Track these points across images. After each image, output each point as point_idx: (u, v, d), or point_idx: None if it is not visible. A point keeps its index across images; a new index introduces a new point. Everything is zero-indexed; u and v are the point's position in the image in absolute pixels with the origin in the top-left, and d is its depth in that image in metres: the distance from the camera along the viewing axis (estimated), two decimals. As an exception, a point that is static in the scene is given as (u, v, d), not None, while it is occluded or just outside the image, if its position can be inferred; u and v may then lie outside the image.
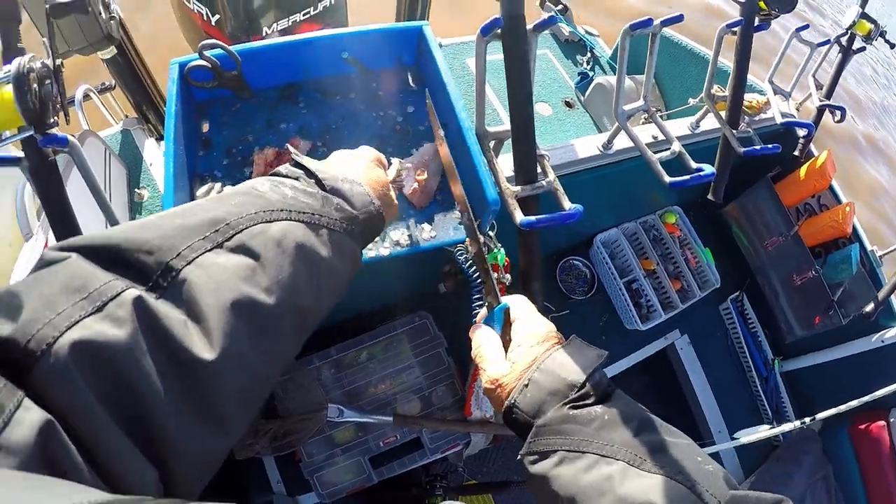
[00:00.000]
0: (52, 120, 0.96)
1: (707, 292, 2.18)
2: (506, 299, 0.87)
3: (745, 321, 2.35)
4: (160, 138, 2.03)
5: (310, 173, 0.72)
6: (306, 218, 0.64)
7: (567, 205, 1.10)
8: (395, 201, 0.86)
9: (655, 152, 1.34)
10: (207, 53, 1.14)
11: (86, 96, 1.99)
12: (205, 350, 0.49)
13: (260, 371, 0.56)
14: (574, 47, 2.77)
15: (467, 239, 1.10)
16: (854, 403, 1.50)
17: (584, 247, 2.25)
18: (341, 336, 1.75)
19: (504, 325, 0.85)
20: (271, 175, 0.71)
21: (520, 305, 0.86)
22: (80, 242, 0.49)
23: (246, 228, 0.58)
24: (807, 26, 1.83)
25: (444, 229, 1.15)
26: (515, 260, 1.15)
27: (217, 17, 1.86)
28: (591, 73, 2.56)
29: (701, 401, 2.26)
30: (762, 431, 1.71)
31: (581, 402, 0.70)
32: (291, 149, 0.84)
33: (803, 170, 2.01)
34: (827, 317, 2.01)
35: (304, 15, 1.90)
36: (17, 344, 0.42)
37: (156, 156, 1.88)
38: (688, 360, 2.28)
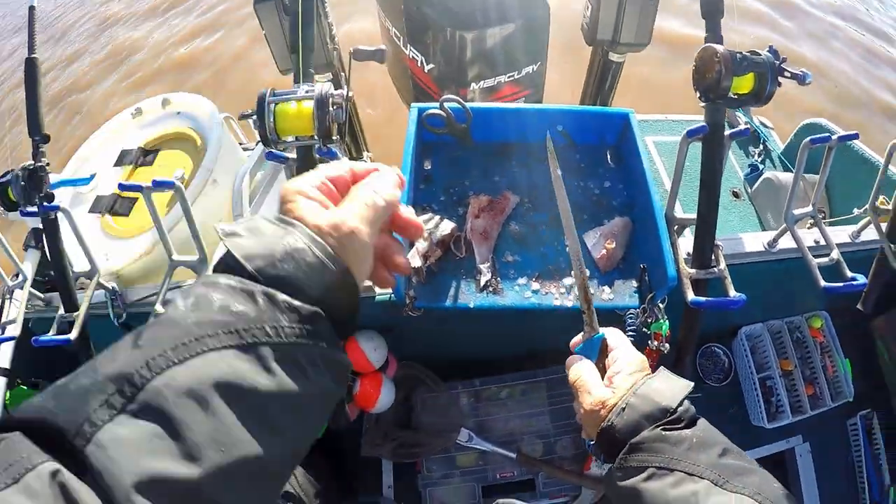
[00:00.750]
0: (335, 137, 1.21)
1: (838, 404, 2.19)
2: (603, 330, 0.98)
3: (871, 441, 2.30)
4: (352, 157, 2.32)
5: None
6: (233, 340, 0.50)
7: (732, 293, 1.26)
8: (352, 227, 0.58)
9: (815, 256, 1.43)
10: (446, 105, 1.41)
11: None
12: None
13: None
14: (747, 138, 2.87)
15: (640, 307, 1.30)
16: None
17: (727, 336, 2.32)
18: (487, 371, 1.93)
19: (599, 355, 0.97)
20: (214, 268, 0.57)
21: (617, 336, 0.97)
22: (13, 415, 0.45)
23: (150, 381, 0.46)
24: None
25: (621, 295, 1.34)
26: (674, 335, 1.33)
27: (431, 66, 2.14)
28: (761, 167, 2.66)
29: (809, 512, 2.27)
30: None
31: (671, 426, 0.79)
32: (219, 227, 0.57)
33: (962, 297, 2.00)
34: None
35: (507, 77, 2.15)
36: None
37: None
38: (804, 467, 2.27)
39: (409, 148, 1.36)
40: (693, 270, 1.29)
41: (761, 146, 2.82)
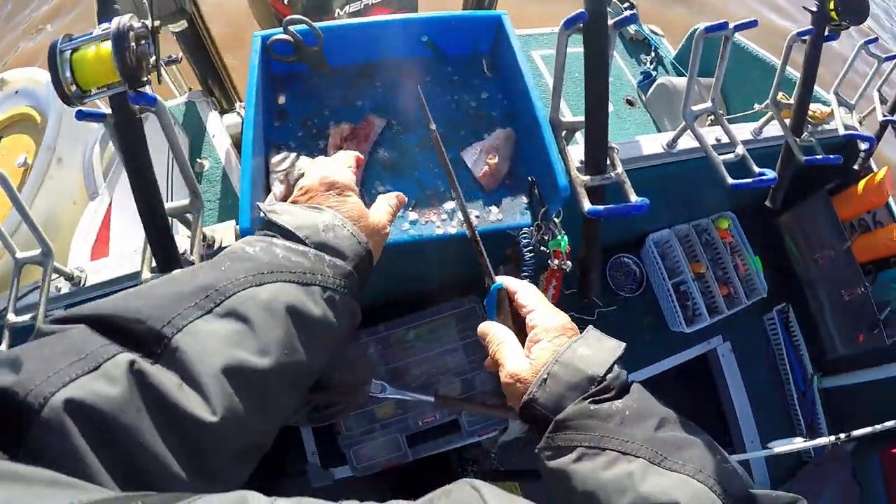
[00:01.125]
0: (144, 79, 1.02)
1: (754, 301, 2.19)
2: (510, 283, 0.87)
3: (789, 333, 2.34)
4: (223, 111, 2.10)
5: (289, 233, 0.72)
6: (297, 278, 0.65)
7: (633, 197, 1.14)
8: (384, 221, 0.85)
9: (719, 154, 1.36)
10: (291, 28, 1.21)
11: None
12: (202, 411, 0.51)
13: (258, 429, 0.59)
14: (638, 46, 2.79)
15: (533, 225, 1.16)
16: (889, 425, 1.50)
17: (635, 245, 2.27)
18: (390, 314, 1.79)
19: (499, 306, 0.86)
20: (260, 233, 0.73)
21: (531, 295, 0.85)
22: (77, 314, 0.53)
23: (235, 294, 0.60)
24: (875, 39, 1.82)
25: (511, 213, 1.20)
26: (576, 250, 1.20)
27: (291, -3, 1.92)
28: (654, 73, 2.58)
29: (737, 409, 2.27)
30: (796, 444, 1.71)
31: (601, 397, 0.70)
32: (263, 206, 0.80)
33: (861, 184, 2.00)
34: (871, 335, 2.00)
35: (375, -1, 1.96)
36: (15, 395, 0.44)
37: (218, 128, 1.95)
38: (728, 367, 2.29)
39: (252, 81, 1.16)
40: (587, 177, 1.15)
41: (653, 53, 2.74)
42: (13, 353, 0.47)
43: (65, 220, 1.75)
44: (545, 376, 0.73)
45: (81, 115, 1.05)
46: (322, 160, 0.91)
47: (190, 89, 2.11)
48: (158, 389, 0.50)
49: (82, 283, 1.31)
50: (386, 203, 0.89)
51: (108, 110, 1.06)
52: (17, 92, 2.03)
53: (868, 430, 1.55)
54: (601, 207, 1.11)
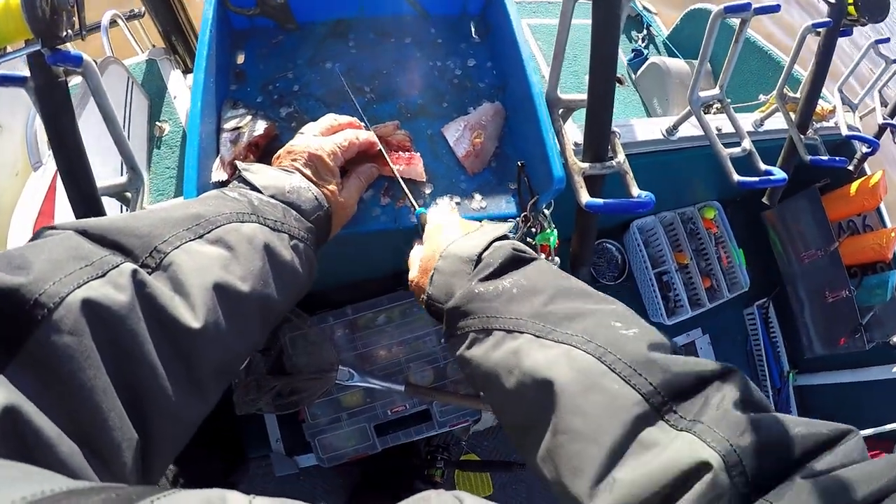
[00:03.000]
0: (64, 34, 0.78)
1: (735, 294, 2.03)
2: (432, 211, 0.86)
3: (768, 329, 2.20)
4: (187, 71, 1.84)
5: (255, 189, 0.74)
6: (270, 224, 0.67)
7: (636, 191, 0.93)
8: (351, 202, 0.85)
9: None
10: (253, -26, 0.96)
11: (112, 23, 1.79)
12: (191, 319, 0.52)
13: (233, 347, 0.59)
14: (630, 23, 2.54)
15: (521, 215, 0.94)
16: (867, 432, 1.42)
17: (618, 230, 2.09)
18: (360, 296, 1.58)
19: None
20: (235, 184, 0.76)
21: (434, 211, 0.87)
22: (72, 225, 0.51)
23: (222, 225, 0.62)
24: (888, 39, 1.64)
25: (496, 202, 0.97)
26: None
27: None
28: (645, 52, 2.35)
29: (710, 403, 2.11)
30: None
31: (485, 275, 0.66)
32: (240, 164, 0.79)
33: (854, 186, 1.83)
34: (852, 339, 1.87)
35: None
36: (26, 295, 0.41)
37: (181, 88, 1.70)
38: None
39: (205, 37, 0.90)
40: (586, 165, 0.93)
41: (645, 31, 2.52)
42: (15, 254, 0.44)
43: (6, 191, 1.52)
44: (432, 273, 0.72)
45: None
46: (323, 123, 0.87)
47: (153, 46, 1.84)
48: (156, 299, 0.50)
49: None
50: (356, 179, 0.87)
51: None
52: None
53: None
54: (601, 202, 0.89)
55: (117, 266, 0.48)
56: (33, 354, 0.41)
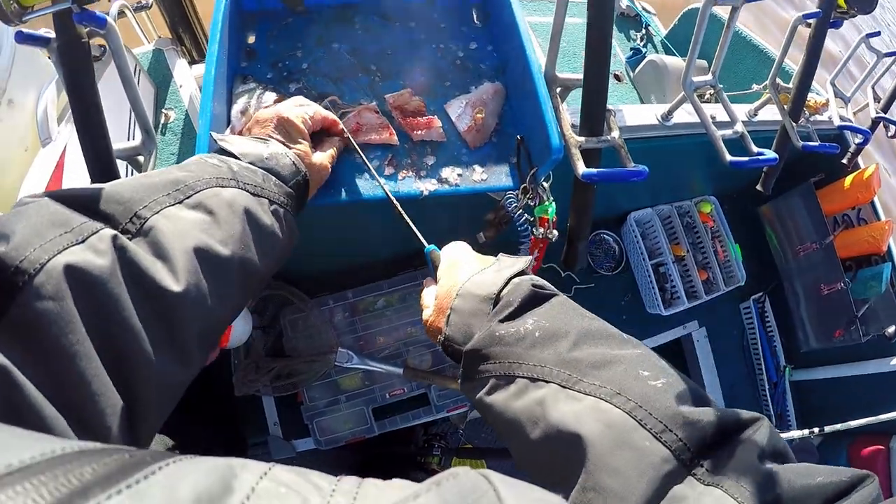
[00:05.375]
0: None
1: (731, 288, 2.10)
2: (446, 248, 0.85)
3: (764, 323, 2.26)
4: (192, 62, 1.92)
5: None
6: (250, 189, 0.71)
7: (630, 164, 1.00)
8: (326, 164, 0.90)
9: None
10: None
11: (120, 13, 1.87)
12: (172, 283, 0.54)
13: (215, 311, 0.61)
14: (629, 22, 2.64)
15: (521, 187, 1.02)
16: (860, 422, 1.43)
17: (616, 222, 2.16)
18: (360, 280, 1.65)
19: (435, 269, 0.84)
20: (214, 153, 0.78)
21: (448, 248, 0.85)
22: (52, 193, 0.52)
23: (202, 190, 0.64)
24: (878, 33, 1.72)
25: (496, 174, 1.05)
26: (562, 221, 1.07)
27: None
28: (643, 50, 2.44)
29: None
30: None
31: (505, 316, 0.65)
32: (215, 135, 0.83)
33: (848, 180, 1.91)
34: (847, 332, 1.93)
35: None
36: (7, 262, 0.44)
37: (186, 77, 1.77)
38: (702, 352, 2.20)
39: (218, 16, 0.99)
40: (582, 139, 1.01)
41: (643, 30, 2.61)
42: None
43: (14, 166, 1.57)
44: (448, 312, 0.71)
45: (22, 38, 0.89)
46: (290, 101, 0.91)
47: (159, 37, 1.92)
48: (137, 263, 0.52)
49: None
50: (328, 145, 0.93)
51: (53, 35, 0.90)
52: (-34, 27, 1.82)
53: (838, 426, 1.47)
54: (595, 171, 0.96)
55: (97, 232, 0.50)
56: (15, 321, 0.43)
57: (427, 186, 1.00)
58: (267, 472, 0.30)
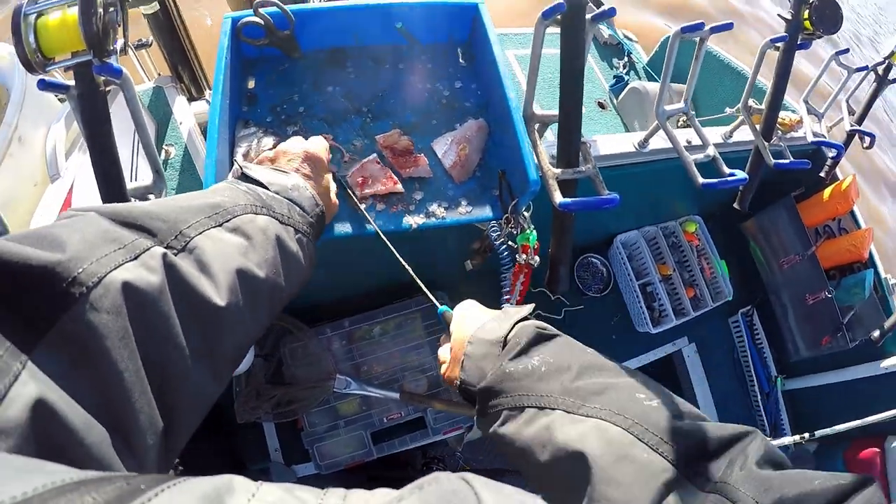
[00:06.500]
0: (111, 48, 0.96)
1: (719, 303, 2.19)
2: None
3: (753, 336, 2.35)
4: (192, 98, 2.02)
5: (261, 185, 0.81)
6: (279, 217, 0.75)
7: (605, 192, 1.11)
8: (336, 200, 0.99)
9: (690, 155, 1.33)
10: (262, 11, 1.16)
11: (122, 51, 1.99)
12: (216, 297, 0.58)
13: (248, 328, 0.66)
14: (611, 50, 2.76)
15: (503, 217, 1.13)
16: (852, 424, 1.49)
17: (603, 245, 2.26)
18: (356, 308, 1.75)
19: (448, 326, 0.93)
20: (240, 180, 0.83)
21: (459, 307, 0.93)
22: (97, 208, 0.54)
23: (240, 215, 0.69)
24: (847, 50, 1.83)
25: (480, 206, 1.16)
26: (544, 247, 1.17)
27: (266, -18, 1.85)
28: (626, 77, 2.56)
29: (701, 409, 2.22)
30: None
31: (514, 355, 0.73)
32: (241, 162, 0.87)
33: (827, 192, 2.01)
34: (834, 339, 2.01)
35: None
36: (63, 273, 0.44)
37: (185, 114, 1.88)
38: (693, 368, 2.29)
39: (221, 64, 1.10)
40: (559, 171, 1.12)
41: (626, 58, 2.72)
42: (45, 233, 0.47)
43: (24, 201, 1.67)
44: (462, 359, 0.79)
45: (44, 85, 0.98)
46: (314, 139, 0.98)
47: (159, 74, 2.03)
48: (185, 280, 0.55)
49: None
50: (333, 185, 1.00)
51: (72, 83, 1.00)
52: (-20, 67, 1.93)
53: (830, 430, 1.53)
54: (571, 200, 1.07)
55: (148, 249, 0.53)
56: (66, 333, 0.43)
57: (416, 220, 1.11)
58: (255, 492, 0.32)
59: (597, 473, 0.57)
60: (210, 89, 2.15)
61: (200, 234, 0.61)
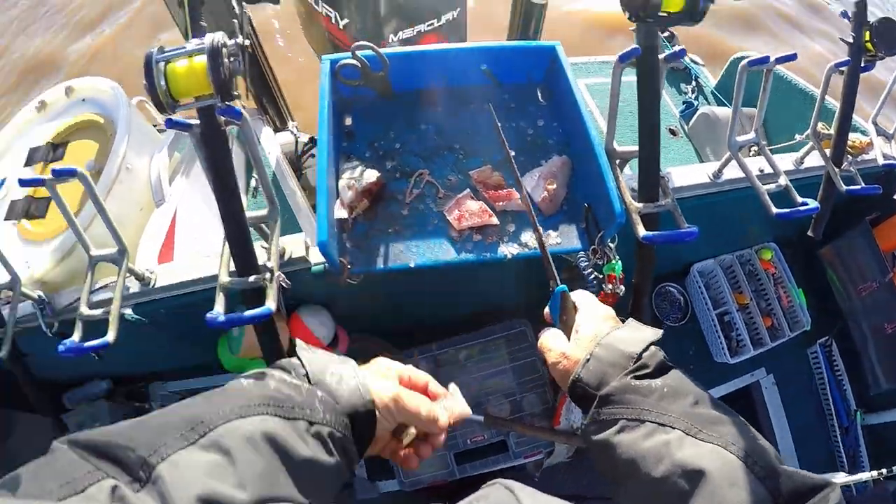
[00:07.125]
0: (234, 92, 1.05)
1: (797, 333, 2.18)
2: (572, 294, 0.96)
3: (832, 367, 2.32)
4: (276, 129, 2.18)
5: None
6: (282, 412, 0.66)
7: (684, 225, 1.18)
8: (417, 409, 0.80)
9: (762, 184, 1.38)
10: (359, 54, 1.28)
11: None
12: None
13: None
14: (679, 75, 2.82)
15: (589, 249, 1.21)
16: None
17: (680, 275, 2.29)
18: (443, 334, 1.83)
19: (562, 311, 0.96)
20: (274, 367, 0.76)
21: (583, 296, 0.97)
22: (77, 438, 0.55)
23: (219, 426, 0.61)
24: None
25: (568, 237, 1.25)
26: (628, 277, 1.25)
27: (345, 21, 1.99)
28: (695, 103, 2.61)
29: (779, 443, 2.24)
30: (838, 479, 1.67)
31: (640, 374, 0.78)
32: (299, 343, 0.81)
33: (902, 215, 1.98)
34: (916, 369, 1.96)
35: (427, 26, 2.02)
36: None
37: (272, 144, 2.02)
38: (771, 400, 2.27)
39: (324, 103, 1.24)
40: (640, 205, 1.20)
41: (694, 83, 2.77)
42: (17, 474, 0.50)
43: (130, 224, 1.83)
44: (588, 357, 0.83)
45: (171, 124, 1.08)
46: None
47: (243, 107, 2.20)
48: None
49: (152, 283, 1.38)
50: (442, 405, 0.87)
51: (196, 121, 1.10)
52: (83, 100, 2.12)
53: None
54: (654, 233, 1.15)
55: (95, 483, 0.50)
56: None
57: (510, 250, 1.21)
58: None
59: (711, 493, 0.63)
60: (293, 120, 2.31)
61: (166, 459, 0.55)
